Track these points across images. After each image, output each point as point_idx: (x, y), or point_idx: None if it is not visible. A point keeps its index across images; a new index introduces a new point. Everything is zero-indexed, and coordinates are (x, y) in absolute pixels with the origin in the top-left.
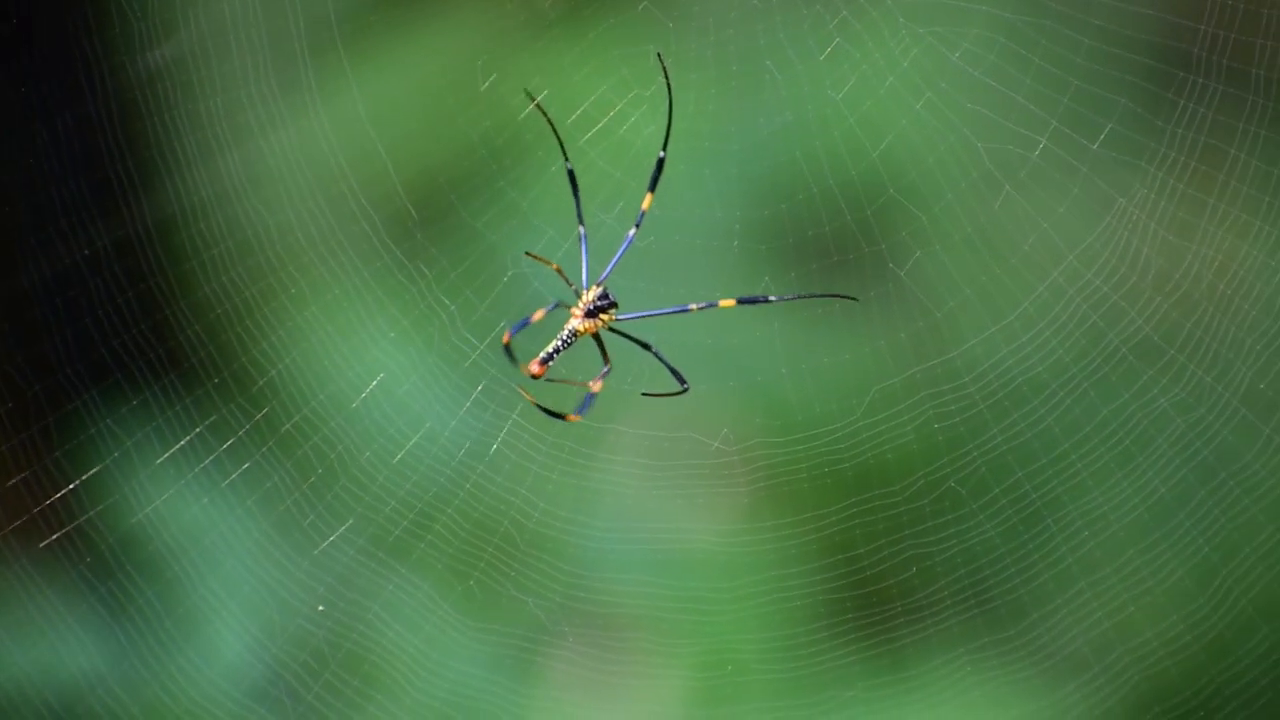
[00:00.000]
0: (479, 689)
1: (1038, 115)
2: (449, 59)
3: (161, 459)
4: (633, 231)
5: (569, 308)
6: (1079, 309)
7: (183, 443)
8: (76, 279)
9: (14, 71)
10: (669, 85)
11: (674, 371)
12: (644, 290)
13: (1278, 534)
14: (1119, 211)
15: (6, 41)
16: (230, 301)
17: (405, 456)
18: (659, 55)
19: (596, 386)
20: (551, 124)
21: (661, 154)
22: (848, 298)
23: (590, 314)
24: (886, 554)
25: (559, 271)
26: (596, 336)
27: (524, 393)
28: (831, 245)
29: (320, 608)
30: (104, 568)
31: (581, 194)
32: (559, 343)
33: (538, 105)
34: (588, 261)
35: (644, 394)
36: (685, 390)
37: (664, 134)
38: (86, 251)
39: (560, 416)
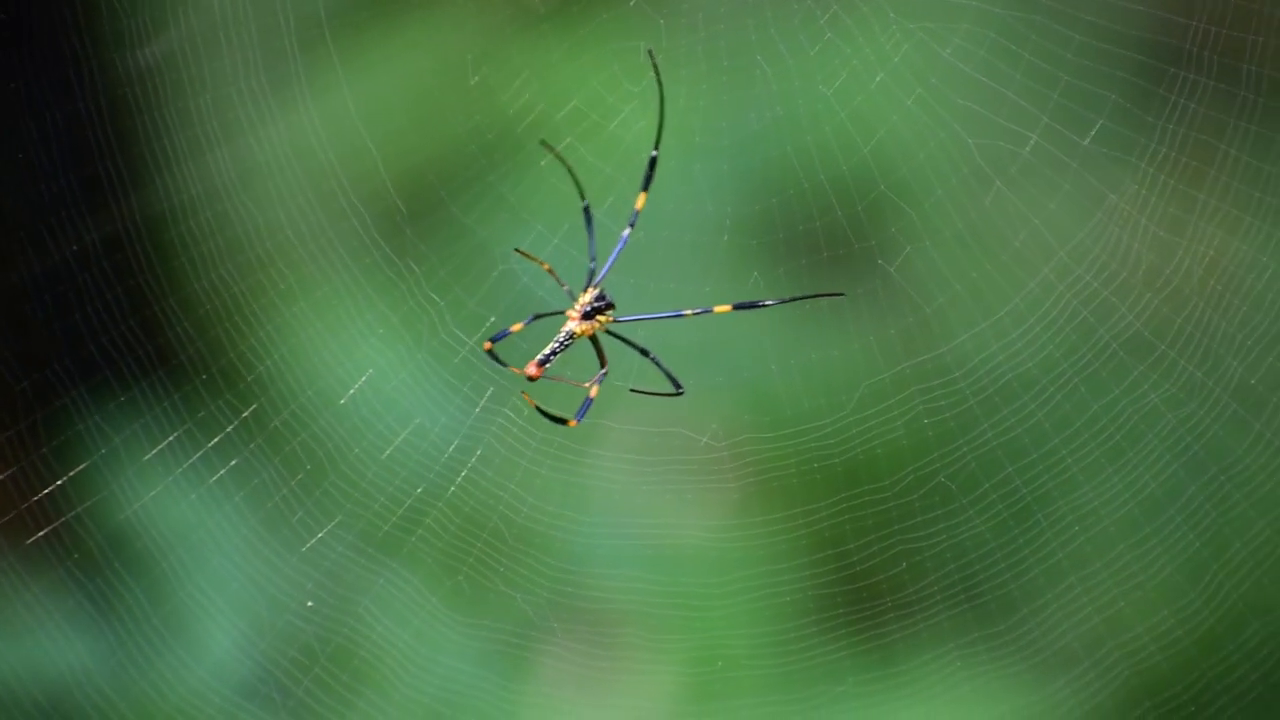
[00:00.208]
0: (468, 684)
1: (1028, 111)
2: (438, 55)
3: (150, 455)
4: (627, 231)
5: (565, 311)
6: (1069, 305)
7: (171, 439)
8: (65, 275)
9: (3, 67)
10: (660, 82)
11: (671, 377)
12: (634, 286)
13: (1268, 529)
14: (1110, 207)
15: None
16: (219, 298)
17: (394, 452)
18: (649, 51)
19: (594, 392)
20: (571, 171)
21: (654, 153)
22: (837, 294)
23: (588, 316)
24: (876, 549)
25: (550, 271)
26: (594, 338)
27: (527, 398)
28: (822, 240)
29: (309, 604)
30: (92, 564)
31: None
32: (556, 344)
33: (556, 154)
34: (594, 244)
35: (632, 390)
36: (680, 393)
37: (655, 131)
38: (75, 247)
39: (563, 421)
